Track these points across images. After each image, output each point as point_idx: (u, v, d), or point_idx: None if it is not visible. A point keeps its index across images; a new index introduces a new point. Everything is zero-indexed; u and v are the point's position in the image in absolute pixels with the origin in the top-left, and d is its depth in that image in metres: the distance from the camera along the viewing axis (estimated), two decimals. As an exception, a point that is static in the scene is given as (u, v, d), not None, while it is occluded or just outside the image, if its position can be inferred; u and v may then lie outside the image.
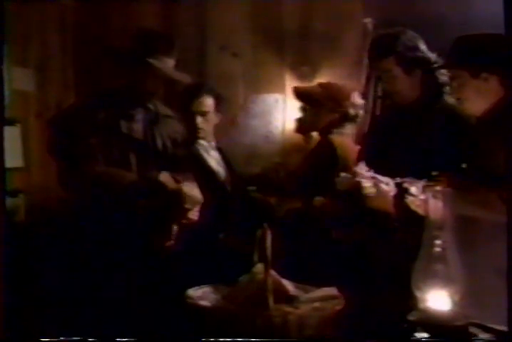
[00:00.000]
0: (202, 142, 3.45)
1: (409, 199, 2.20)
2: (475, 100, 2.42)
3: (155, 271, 2.87)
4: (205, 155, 3.45)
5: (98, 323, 2.64)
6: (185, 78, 3.05)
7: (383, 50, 2.84)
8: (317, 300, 2.02)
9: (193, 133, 3.40)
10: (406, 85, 2.83)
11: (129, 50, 2.94)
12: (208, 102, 3.43)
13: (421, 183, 2.10)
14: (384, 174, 2.74)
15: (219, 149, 3.52)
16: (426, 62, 2.81)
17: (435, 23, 3.39)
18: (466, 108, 2.51)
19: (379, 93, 3.68)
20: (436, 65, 2.74)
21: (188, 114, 3.39)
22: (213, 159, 3.47)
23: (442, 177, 2.20)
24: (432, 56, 2.81)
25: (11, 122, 3.34)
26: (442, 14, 3.60)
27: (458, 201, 2.09)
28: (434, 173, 2.19)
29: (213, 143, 3.51)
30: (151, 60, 2.86)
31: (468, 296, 1.82)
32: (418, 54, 2.81)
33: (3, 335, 1.98)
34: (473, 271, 2.00)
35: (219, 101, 3.47)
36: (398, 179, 2.16)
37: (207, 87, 3.49)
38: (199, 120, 3.40)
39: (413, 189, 2.18)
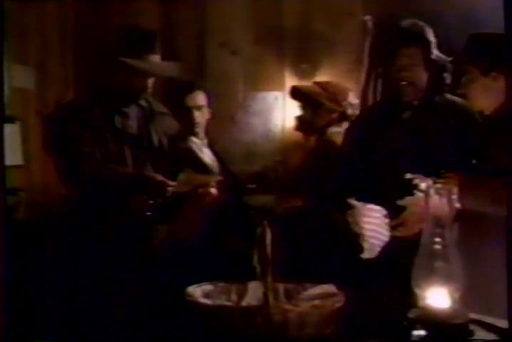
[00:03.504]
0: (194, 139, 3.45)
1: (418, 196, 2.19)
2: (482, 97, 2.43)
3: (154, 270, 2.87)
4: (198, 152, 3.45)
5: (97, 323, 2.65)
6: (171, 71, 3.06)
7: (412, 37, 2.81)
8: (316, 297, 2.02)
9: (190, 128, 3.41)
10: (421, 77, 2.82)
11: (113, 50, 2.95)
12: (201, 96, 3.45)
13: (431, 180, 2.10)
14: (387, 173, 2.76)
15: (212, 147, 3.52)
16: (438, 59, 2.80)
17: (434, 21, 3.38)
18: (472, 104, 2.52)
19: (379, 90, 3.69)
20: (449, 58, 2.72)
21: (184, 109, 3.40)
22: (207, 157, 3.47)
23: (451, 174, 2.20)
24: (442, 56, 2.81)
25: (11, 120, 3.33)
26: (442, 12, 3.60)
27: (467, 197, 2.09)
28: (443, 171, 2.19)
29: (205, 141, 3.51)
30: (129, 61, 2.86)
31: (478, 293, 1.83)
32: (435, 50, 2.81)
33: (3, 335, 1.98)
34: (482, 268, 2.02)
35: (210, 96, 3.49)
36: (409, 176, 2.16)
37: (198, 83, 3.53)
38: (196, 114, 3.42)
39: (423, 186, 2.17)
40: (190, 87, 3.45)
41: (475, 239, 2.41)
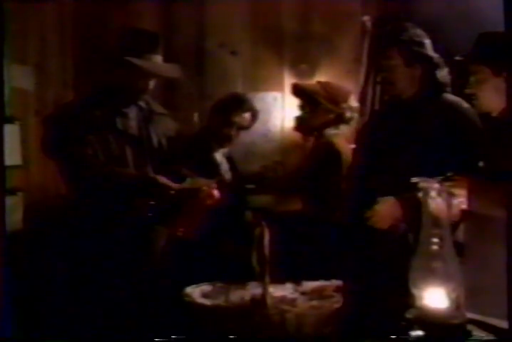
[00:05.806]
0: (220, 149, 3.51)
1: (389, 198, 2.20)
2: (493, 97, 2.40)
3: (154, 271, 2.88)
4: (218, 160, 3.50)
5: (97, 323, 2.65)
6: (173, 72, 3.06)
7: (390, 38, 2.85)
8: (315, 292, 2.04)
9: (222, 140, 3.50)
10: (403, 77, 2.82)
11: (115, 49, 2.94)
12: (248, 118, 3.52)
13: (438, 182, 2.10)
14: (386, 173, 2.76)
15: (230, 157, 3.56)
16: (427, 59, 2.80)
17: (434, 21, 3.38)
18: (480, 105, 2.49)
19: (378, 91, 3.68)
20: (457, 57, 2.71)
21: (225, 121, 3.45)
22: (223, 165, 3.51)
23: (459, 176, 2.19)
24: (435, 56, 2.81)
25: (10, 120, 3.33)
26: (441, 12, 3.60)
27: (476, 200, 2.09)
28: (450, 174, 2.19)
29: (226, 150, 3.55)
30: (135, 61, 2.85)
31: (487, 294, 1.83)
32: (421, 50, 2.80)
33: (3, 335, 1.98)
34: (491, 270, 2.01)
35: (254, 118, 3.55)
36: (416, 179, 2.16)
37: (252, 105, 3.56)
38: (234, 132, 3.48)
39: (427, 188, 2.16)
40: (242, 106, 3.49)
41: (484, 241, 2.40)
